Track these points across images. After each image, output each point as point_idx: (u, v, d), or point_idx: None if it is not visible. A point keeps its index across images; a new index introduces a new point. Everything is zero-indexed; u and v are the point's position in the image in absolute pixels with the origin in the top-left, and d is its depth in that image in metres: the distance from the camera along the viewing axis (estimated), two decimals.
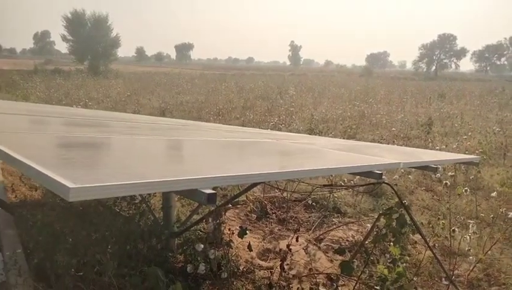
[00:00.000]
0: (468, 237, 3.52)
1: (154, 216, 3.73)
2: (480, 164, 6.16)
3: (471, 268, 3.40)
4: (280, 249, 3.69)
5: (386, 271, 2.38)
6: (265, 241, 3.98)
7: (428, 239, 3.32)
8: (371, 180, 2.34)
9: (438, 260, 2.95)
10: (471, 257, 3.48)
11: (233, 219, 4.49)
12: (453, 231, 3.54)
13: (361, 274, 2.89)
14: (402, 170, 6.07)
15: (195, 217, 3.75)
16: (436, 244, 3.82)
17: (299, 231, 4.04)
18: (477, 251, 3.67)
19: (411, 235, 3.87)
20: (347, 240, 4.07)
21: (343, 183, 5.31)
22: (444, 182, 4.91)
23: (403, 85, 33.85)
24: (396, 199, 2.62)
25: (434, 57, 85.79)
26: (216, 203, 1.21)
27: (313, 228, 4.34)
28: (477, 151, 7.55)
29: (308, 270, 3.30)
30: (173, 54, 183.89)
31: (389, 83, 36.67)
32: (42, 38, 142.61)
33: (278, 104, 16.30)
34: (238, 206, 4.76)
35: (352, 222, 4.53)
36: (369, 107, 16.14)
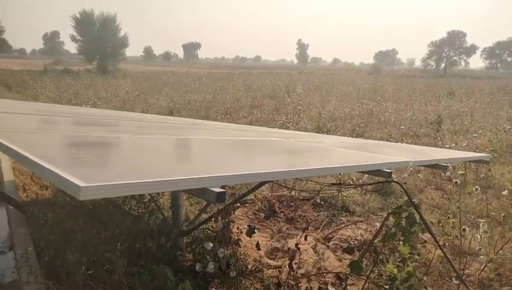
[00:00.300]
0: (478, 236, 3.49)
1: (163, 215, 3.75)
2: (491, 162, 6.08)
3: (482, 268, 3.36)
4: (288, 248, 3.69)
5: (395, 270, 2.37)
6: (273, 240, 3.98)
7: (438, 238, 3.30)
8: (380, 179, 2.32)
9: (448, 259, 2.92)
10: (482, 257, 3.44)
11: (242, 217, 4.50)
12: (464, 230, 3.51)
13: (370, 273, 2.88)
14: (411, 169, 6.03)
15: (204, 215, 3.77)
16: (446, 244, 3.79)
17: (307, 229, 4.03)
18: (488, 250, 3.63)
19: (421, 234, 3.85)
20: (356, 239, 4.05)
21: (351, 182, 5.29)
22: (454, 180, 4.87)
23: (412, 83, 33.57)
24: (406, 198, 2.60)
25: (443, 54, 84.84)
26: (225, 202, 1.22)
27: (321, 227, 4.33)
28: (487, 150, 7.46)
29: (317, 269, 3.30)
30: (181, 53, 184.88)
31: (397, 81, 36.39)
32: (51, 39, 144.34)
33: (285, 103, 16.27)
34: (246, 205, 4.76)
35: (361, 221, 4.51)
36: (377, 105, 16.03)
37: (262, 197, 4.93)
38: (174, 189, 1.17)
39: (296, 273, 3.03)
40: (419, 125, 11.33)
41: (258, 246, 2.98)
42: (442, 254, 3.09)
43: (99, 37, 39.99)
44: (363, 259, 2.82)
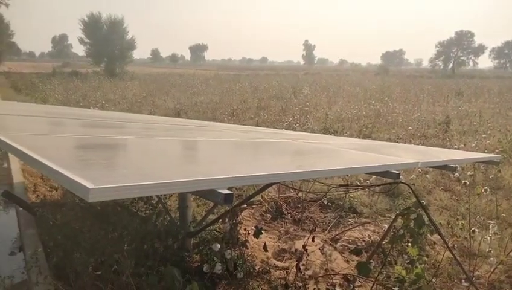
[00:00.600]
0: (488, 237, 3.44)
1: (171, 216, 3.76)
2: (501, 163, 6.01)
3: (492, 270, 3.32)
4: (296, 250, 3.68)
5: (403, 272, 2.35)
6: (280, 241, 3.97)
7: (447, 240, 3.26)
8: (387, 180, 2.31)
9: (458, 261, 2.89)
10: (492, 259, 3.39)
11: (249, 219, 4.49)
12: (473, 231, 3.47)
13: (378, 275, 2.86)
14: (419, 170, 5.98)
15: (211, 217, 3.77)
16: (456, 245, 3.75)
17: (314, 231, 4.01)
18: (499, 252, 3.59)
19: (429, 236, 3.81)
20: (363, 241, 4.03)
21: (359, 183, 5.26)
22: (463, 181, 4.82)
23: (419, 83, 33.33)
24: (414, 199, 2.58)
25: (451, 55, 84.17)
26: (232, 203, 1.21)
27: (328, 228, 4.31)
28: (497, 150, 7.37)
29: (324, 270, 3.28)
30: (188, 55, 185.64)
31: (405, 82, 36.15)
32: (60, 42, 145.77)
33: (292, 104, 16.24)
34: (254, 206, 4.76)
35: (369, 222, 4.48)
36: (384, 106, 15.93)
37: (269, 199, 4.92)
38: (182, 190, 1.17)
39: (304, 274, 3.02)
40: (427, 126, 11.24)
41: (265, 247, 2.98)
42: (452, 256, 3.07)
43: (107, 40, 40.37)
44: (371, 261, 2.80)
